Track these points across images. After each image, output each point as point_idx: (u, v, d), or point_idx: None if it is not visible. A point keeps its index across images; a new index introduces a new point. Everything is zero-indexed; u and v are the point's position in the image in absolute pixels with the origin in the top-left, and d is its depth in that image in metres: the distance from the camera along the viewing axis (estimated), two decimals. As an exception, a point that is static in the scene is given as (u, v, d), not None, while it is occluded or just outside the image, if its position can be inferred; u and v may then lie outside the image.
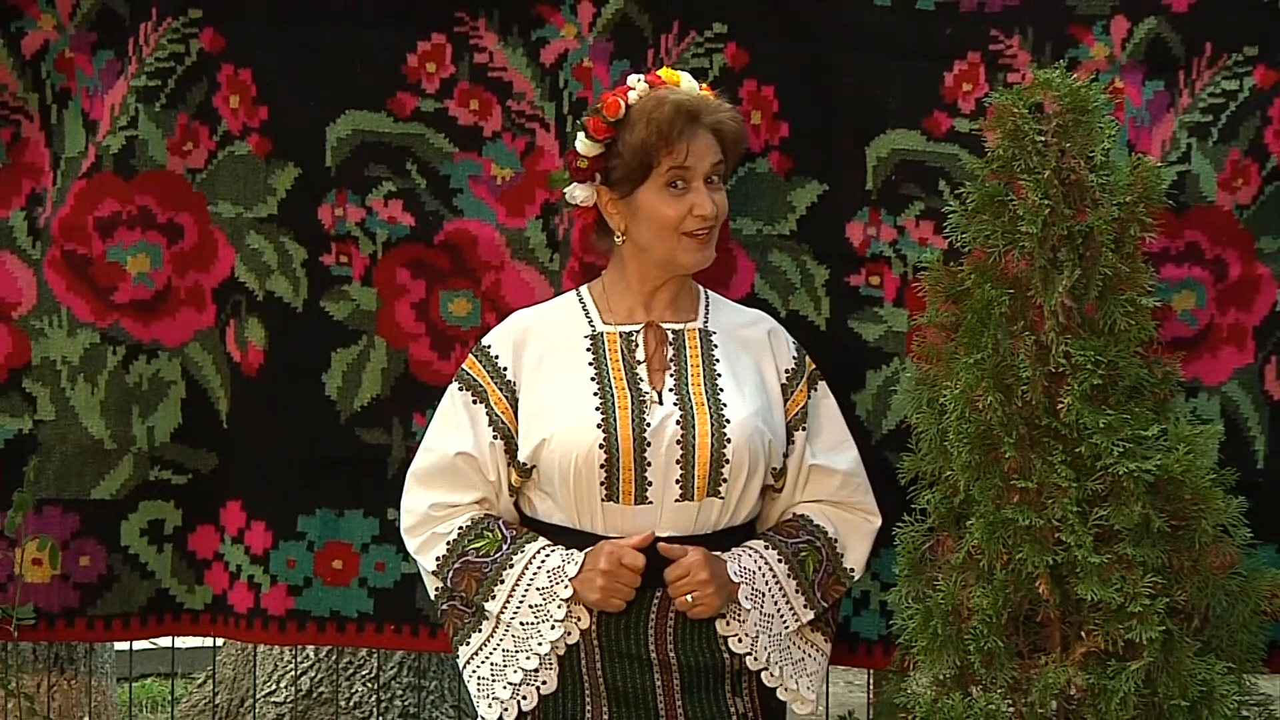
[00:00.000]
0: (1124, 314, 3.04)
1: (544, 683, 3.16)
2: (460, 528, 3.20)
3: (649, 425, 3.13)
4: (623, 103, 3.17)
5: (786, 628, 3.21)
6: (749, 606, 3.15)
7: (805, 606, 3.22)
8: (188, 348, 3.64)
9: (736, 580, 3.15)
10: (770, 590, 3.18)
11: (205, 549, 3.67)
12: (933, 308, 3.18)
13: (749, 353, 3.26)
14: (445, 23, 3.56)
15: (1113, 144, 3.09)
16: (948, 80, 3.50)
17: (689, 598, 3.11)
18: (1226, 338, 3.49)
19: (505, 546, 3.17)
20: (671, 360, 3.21)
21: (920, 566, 3.17)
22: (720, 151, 3.18)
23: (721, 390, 3.18)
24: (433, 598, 3.29)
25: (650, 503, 3.14)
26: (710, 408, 3.15)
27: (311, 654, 5.29)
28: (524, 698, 3.16)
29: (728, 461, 3.14)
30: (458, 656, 3.24)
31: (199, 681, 6.19)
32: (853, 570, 3.28)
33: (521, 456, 3.17)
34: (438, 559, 3.21)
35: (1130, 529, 2.96)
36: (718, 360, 3.22)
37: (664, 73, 3.22)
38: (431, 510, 3.22)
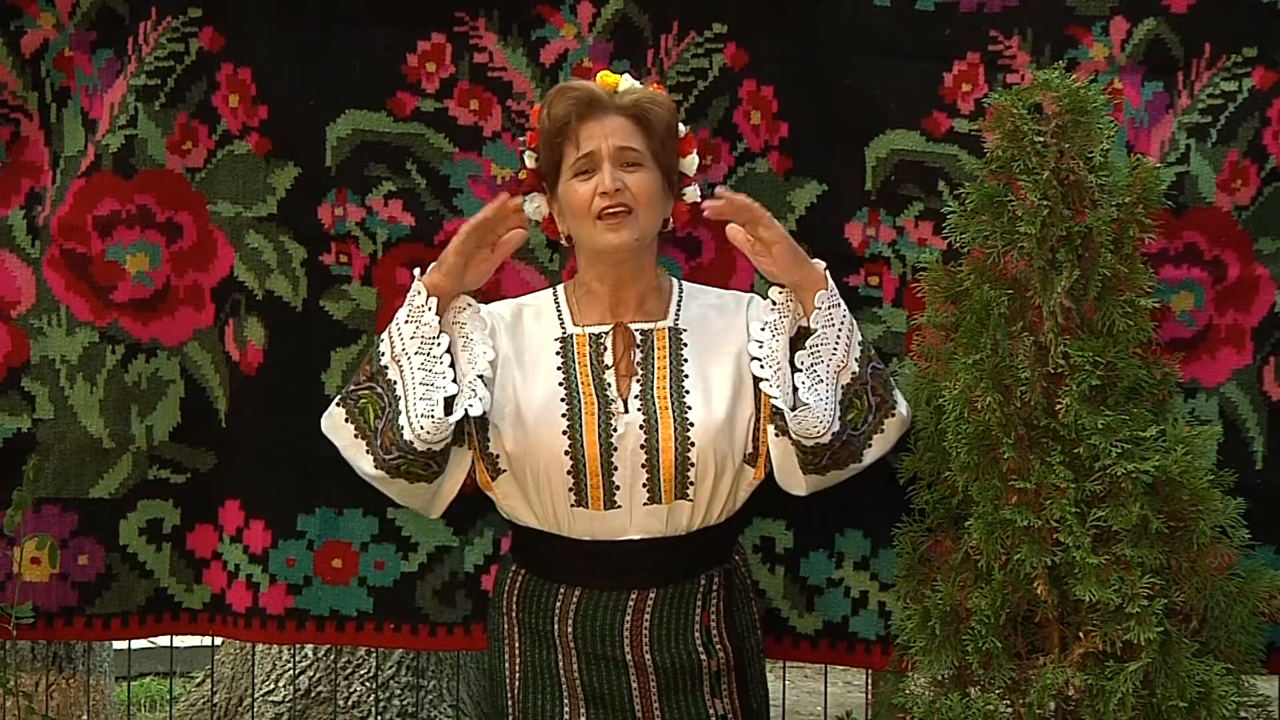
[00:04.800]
0: (1122, 315, 3.04)
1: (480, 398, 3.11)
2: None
3: (615, 432, 3.13)
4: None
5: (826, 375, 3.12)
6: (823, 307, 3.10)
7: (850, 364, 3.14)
8: (187, 347, 3.64)
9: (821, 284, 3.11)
10: (832, 339, 3.12)
11: (204, 548, 3.67)
12: (932, 308, 3.19)
13: (722, 344, 3.21)
14: (445, 22, 3.56)
15: (1111, 145, 3.09)
16: (947, 81, 3.50)
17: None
18: (1225, 338, 3.49)
19: None
20: (639, 364, 3.19)
21: (919, 567, 3.17)
22: (636, 133, 3.13)
23: (687, 393, 3.16)
24: (350, 449, 3.20)
25: (619, 506, 3.13)
26: (674, 412, 3.14)
27: (310, 653, 5.29)
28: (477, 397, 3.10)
29: (693, 465, 3.12)
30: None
31: (197, 680, 6.19)
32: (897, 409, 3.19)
33: (490, 444, 3.17)
34: (339, 398, 3.20)
35: (1128, 530, 2.96)
36: (686, 361, 3.20)
37: (602, 75, 3.20)
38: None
